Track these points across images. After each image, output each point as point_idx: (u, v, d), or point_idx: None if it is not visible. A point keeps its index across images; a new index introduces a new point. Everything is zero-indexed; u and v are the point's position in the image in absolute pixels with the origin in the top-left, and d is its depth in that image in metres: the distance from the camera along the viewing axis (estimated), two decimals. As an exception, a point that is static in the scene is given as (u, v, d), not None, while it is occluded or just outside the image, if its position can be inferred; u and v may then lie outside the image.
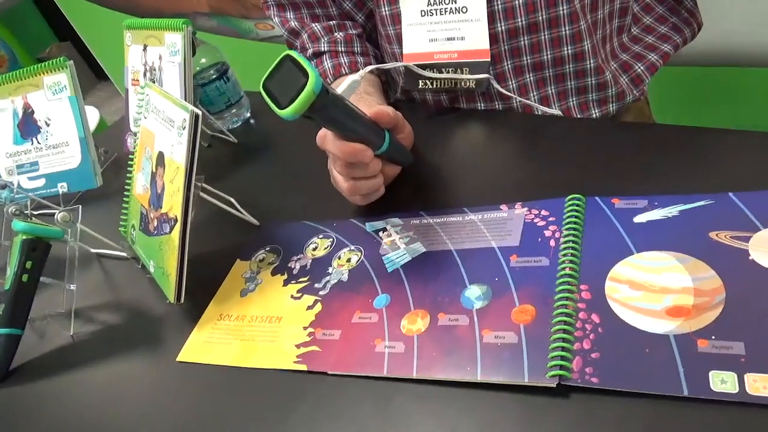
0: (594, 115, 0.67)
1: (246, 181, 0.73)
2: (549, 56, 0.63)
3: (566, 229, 0.46)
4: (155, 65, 0.77)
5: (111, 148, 0.92)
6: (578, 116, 0.67)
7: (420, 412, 0.40)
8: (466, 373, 0.40)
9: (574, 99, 0.66)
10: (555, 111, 0.65)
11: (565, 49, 0.62)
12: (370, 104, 0.62)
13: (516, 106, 0.66)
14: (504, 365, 0.39)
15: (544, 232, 0.47)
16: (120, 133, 0.91)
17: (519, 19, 0.60)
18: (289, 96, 0.42)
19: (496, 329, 0.41)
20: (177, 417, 0.48)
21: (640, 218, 0.45)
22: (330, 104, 0.45)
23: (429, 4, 0.63)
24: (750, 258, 0.39)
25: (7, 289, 0.58)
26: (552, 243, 0.45)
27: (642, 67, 0.67)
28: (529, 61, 0.63)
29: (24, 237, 0.58)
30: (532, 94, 0.66)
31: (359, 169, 0.53)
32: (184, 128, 0.49)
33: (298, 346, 0.48)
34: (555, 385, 0.37)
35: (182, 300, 0.54)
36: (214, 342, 0.52)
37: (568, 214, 0.47)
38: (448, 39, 0.64)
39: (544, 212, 0.49)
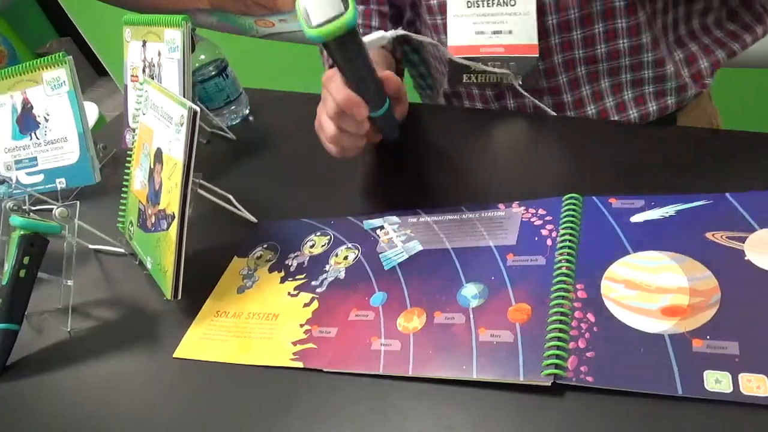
0: (651, 109, 0.63)
1: (244, 178, 0.73)
2: (603, 50, 0.60)
3: (563, 229, 0.46)
4: (154, 61, 0.77)
5: (110, 144, 0.92)
6: (634, 110, 0.64)
7: (416, 409, 0.40)
8: (461, 372, 0.40)
9: (629, 92, 0.63)
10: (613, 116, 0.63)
11: (621, 42, 0.59)
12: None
13: (567, 102, 0.64)
14: (499, 364, 0.39)
15: (541, 231, 0.47)
16: (119, 130, 0.91)
17: (572, 11, 0.57)
18: (323, 18, 0.41)
19: (492, 328, 0.41)
20: (173, 413, 0.48)
21: (636, 218, 0.45)
22: (354, 45, 0.44)
23: None
24: (746, 258, 0.39)
25: (4, 284, 0.58)
26: (549, 242, 0.45)
27: (707, 63, 0.63)
28: (581, 54, 0.61)
29: (22, 232, 0.58)
30: (583, 88, 0.63)
31: (349, 121, 0.53)
32: (182, 124, 0.49)
33: (294, 344, 0.48)
34: (550, 384, 0.37)
35: (179, 296, 0.54)
36: (210, 339, 0.52)
37: (565, 213, 0.47)
38: (495, 33, 0.61)
39: (541, 211, 0.49)
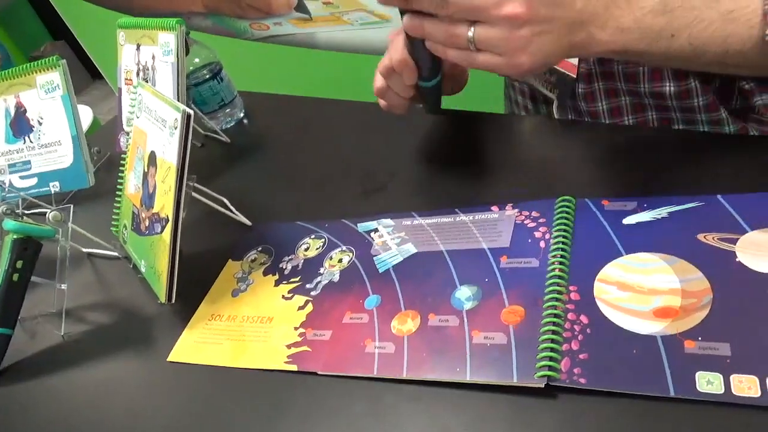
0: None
1: (238, 182, 0.73)
2: (647, 89, 0.56)
3: (556, 231, 0.46)
4: (148, 65, 0.77)
5: (104, 148, 0.91)
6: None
7: (411, 411, 0.40)
8: (455, 374, 0.40)
9: (681, 127, 0.59)
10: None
11: (667, 85, 0.55)
12: None
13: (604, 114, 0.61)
14: (493, 366, 0.39)
15: (534, 233, 0.47)
16: (113, 133, 0.90)
17: None
18: None
19: (486, 330, 0.41)
20: (168, 417, 0.48)
21: (629, 220, 0.45)
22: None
23: None
24: (737, 260, 0.39)
25: (-3, 288, 0.58)
26: (542, 244, 0.46)
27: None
28: (623, 87, 0.58)
29: (15, 236, 0.58)
30: (626, 118, 0.60)
31: (397, 82, 0.53)
32: (175, 128, 0.49)
33: (288, 347, 0.48)
34: (543, 386, 0.37)
35: (173, 300, 0.53)
36: (205, 342, 0.52)
37: (558, 215, 0.47)
38: None
39: (534, 213, 0.49)
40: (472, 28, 0.41)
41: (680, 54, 0.43)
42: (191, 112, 0.49)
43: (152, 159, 0.55)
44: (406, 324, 0.45)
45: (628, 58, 0.45)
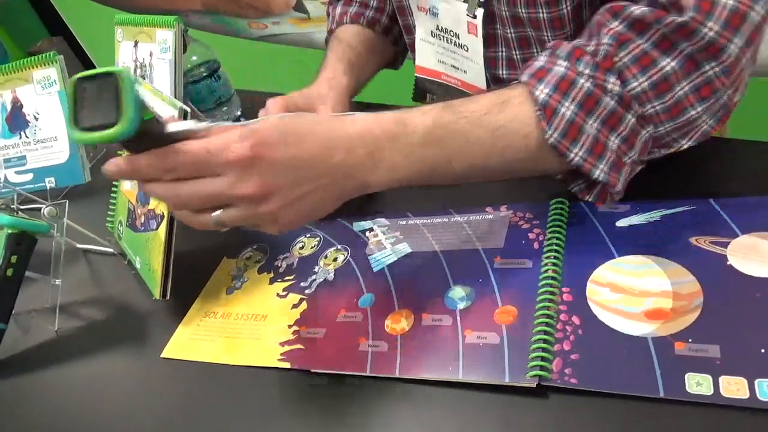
0: None
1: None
2: None
3: (550, 232, 0.46)
4: (146, 62, 0.77)
5: (100, 144, 0.91)
6: None
7: (403, 410, 0.40)
8: (448, 373, 0.40)
9: None
10: None
11: None
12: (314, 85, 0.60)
13: None
14: (485, 365, 0.39)
15: (528, 234, 0.47)
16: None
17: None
18: (92, 122, 0.34)
19: (479, 330, 0.42)
20: (161, 413, 0.48)
21: (622, 222, 0.45)
22: (141, 140, 0.37)
23: (437, 27, 0.61)
24: (728, 263, 0.39)
25: (-9, 282, 0.57)
26: (536, 245, 0.46)
27: None
28: None
29: (9, 231, 0.58)
30: None
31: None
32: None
33: (282, 344, 0.48)
34: (535, 386, 0.37)
35: (168, 297, 0.54)
36: (199, 339, 0.52)
37: (552, 217, 0.47)
38: (453, 66, 0.62)
39: (528, 215, 0.49)
40: (218, 212, 0.39)
41: (466, 174, 0.43)
42: (188, 109, 0.49)
43: (149, 155, 0.55)
44: (399, 323, 0.45)
45: (417, 185, 0.44)
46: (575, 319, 0.40)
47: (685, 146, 0.43)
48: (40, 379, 0.56)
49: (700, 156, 0.52)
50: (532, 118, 0.41)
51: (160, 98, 0.52)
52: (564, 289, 0.42)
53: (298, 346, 0.47)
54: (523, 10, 0.49)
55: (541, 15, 0.49)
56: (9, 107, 0.87)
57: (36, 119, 0.85)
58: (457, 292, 0.45)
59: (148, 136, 0.36)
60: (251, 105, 0.89)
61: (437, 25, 0.61)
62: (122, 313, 0.60)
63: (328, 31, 0.73)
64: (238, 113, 0.87)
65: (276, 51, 1.30)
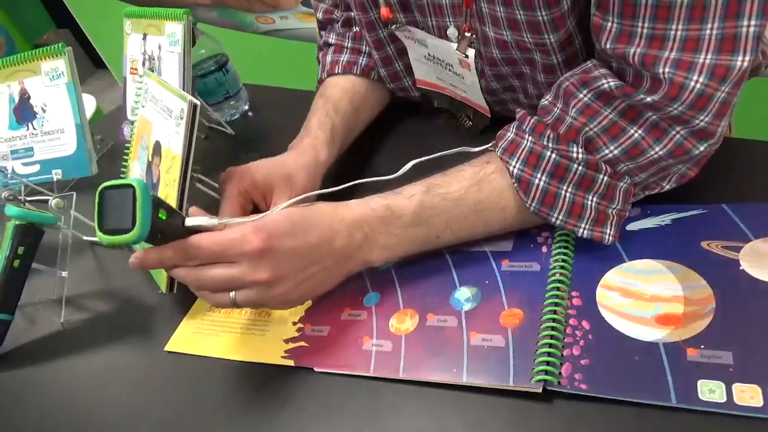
0: None
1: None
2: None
3: (558, 236, 0.46)
4: (154, 54, 0.77)
5: (107, 137, 0.91)
6: None
7: (408, 410, 0.40)
8: (451, 375, 0.40)
9: None
10: None
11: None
12: (299, 147, 0.59)
13: None
14: (490, 368, 0.39)
15: (537, 238, 0.47)
16: (116, 122, 0.90)
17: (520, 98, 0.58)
18: (113, 226, 0.40)
19: (484, 332, 0.41)
20: (164, 406, 0.47)
21: (632, 226, 0.45)
22: (160, 236, 0.42)
23: (429, 55, 0.60)
24: (741, 268, 0.39)
25: (-3, 273, 0.57)
26: (544, 249, 0.45)
27: None
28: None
29: (17, 222, 0.58)
30: None
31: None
32: (182, 118, 0.49)
33: (286, 341, 0.48)
34: (540, 390, 0.36)
35: (174, 290, 0.53)
36: (203, 333, 0.52)
37: (562, 219, 0.47)
38: (452, 84, 0.62)
39: (537, 216, 0.49)
40: (233, 293, 0.43)
41: (456, 242, 0.47)
42: (198, 102, 0.48)
43: (157, 149, 0.55)
44: (404, 323, 0.45)
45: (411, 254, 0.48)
46: (585, 324, 0.39)
47: (667, 188, 0.45)
48: (46, 370, 0.56)
49: (711, 159, 0.51)
50: (508, 191, 0.45)
51: (170, 91, 0.52)
52: (573, 293, 0.41)
53: (302, 343, 0.47)
54: (518, 55, 0.51)
55: (535, 56, 0.50)
56: (17, 98, 0.86)
57: (44, 111, 0.85)
58: (463, 293, 0.45)
59: (166, 231, 0.42)
60: (259, 99, 0.89)
61: (428, 53, 0.60)
62: (127, 306, 0.59)
63: (318, 80, 0.71)
64: (246, 107, 0.87)
65: (284, 45, 1.30)
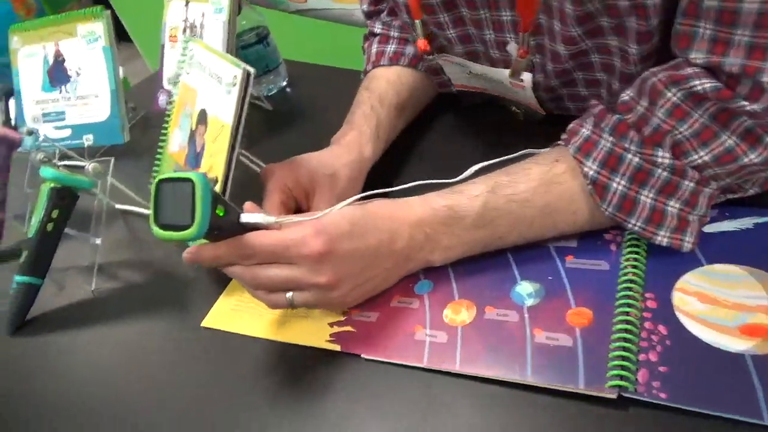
0: None
1: (278, 150, 0.70)
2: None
3: (629, 234, 0.43)
4: (197, 22, 0.74)
5: (139, 106, 0.89)
6: None
7: (464, 405, 0.38)
8: (514, 373, 0.37)
9: None
10: None
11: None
12: (342, 136, 0.57)
13: None
14: (557, 369, 0.36)
15: (605, 235, 0.44)
16: (148, 92, 0.88)
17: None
18: (170, 221, 0.38)
19: (549, 330, 0.39)
20: (196, 385, 0.46)
21: (710, 228, 0.42)
22: (216, 232, 0.40)
23: (470, 74, 0.58)
24: (833, 280, 0.36)
25: (31, 236, 0.56)
26: (613, 247, 0.43)
27: None
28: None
29: (52, 185, 0.56)
30: None
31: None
32: (234, 85, 0.47)
33: (332, 325, 0.45)
34: (615, 397, 0.34)
35: (213, 265, 0.51)
36: (242, 311, 0.50)
37: (631, 216, 0.44)
38: (499, 92, 0.60)
39: (603, 212, 0.46)
40: (290, 294, 0.42)
41: (518, 244, 0.45)
42: (252, 70, 0.46)
43: (202, 117, 0.53)
44: (460, 314, 0.42)
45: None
46: (661, 329, 0.37)
47: (751, 192, 0.43)
48: (73, 338, 0.54)
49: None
50: (580, 194, 0.42)
51: (222, 58, 0.50)
52: (647, 295, 0.39)
53: (349, 328, 0.45)
54: (580, 75, 0.49)
55: (600, 76, 0.48)
56: (51, 60, 0.85)
57: (78, 74, 0.83)
58: (525, 288, 0.42)
59: (222, 227, 0.40)
60: (298, 75, 0.86)
61: (470, 72, 0.57)
62: (161, 278, 0.58)
63: (363, 72, 0.69)
64: (284, 83, 0.84)
65: (322, 22, 1.27)
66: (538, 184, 0.42)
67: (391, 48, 0.66)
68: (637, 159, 0.39)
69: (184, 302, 0.54)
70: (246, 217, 0.41)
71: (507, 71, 0.53)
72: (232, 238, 0.41)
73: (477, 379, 0.39)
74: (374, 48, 0.67)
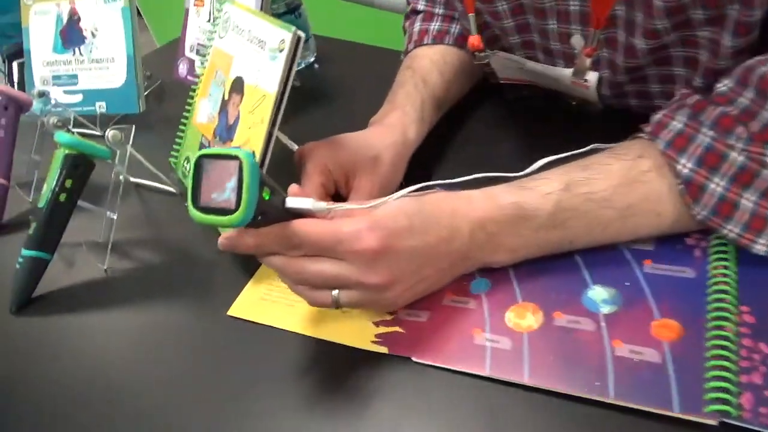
0: None
1: (303, 131, 0.65)
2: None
3: (715, 237, 0.39)
4: (225, -14, 0.69)
5: (155, 75, 0.84)
6: None
7: (534, 423, 0.34)
8: (593, 389, 0.33)
9: None
10: None
11: None
12: (384, 116, 0.53)
13: None
14: (645, 388, 0.32)
15: (686, 239, 0.40)
16: (166, 60, 0.83)
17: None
18: (211, 203, 0.34)
19: (632, 342, 0.35)
20: (220, 381, 0.41)
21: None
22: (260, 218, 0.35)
23: (523, 70, 0.54)
24: None
25: (41, 206, 0.51)
26: (697, 253, 0.39)
27: None
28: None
29: (67, 152, 0.51)
30: None
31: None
32: (280, 51, 0.42)
33: (377, 324, 0.41)
34: (716, 423, 0.30)
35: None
36: (273, 301, 0.45)
37: (714, 220, 0.40)
38: (552, 87, 0.55)
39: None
40: (336, 292, 0.38)
41: (589, 247, 0.41)
42: (303, 35, 0.41)
43: (238, 85, 0.48)
44: (525, 318, 0.38)
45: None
46: (763, 347, 0.33)
47: None
48: (83, 321, 0.50)
49: None
50: (668, 194, 0.37)
51: (267, 20, 0.45)
52: (743, 308, 0.35)
53: (397, 328, 0.40)
54: (653, 71, 0.45)
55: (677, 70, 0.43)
56: (65, 19, 0.79)
57: (94, 36, 0.78)
58: (599, 293, 0.38)
59: (267, 213, 0.35)
60: (327, 52, 0.81)
61: (525, 69, 0.53)
62: (180, 259, 0.53)
63: (404, 51, 0.64)
64: (312, 59, 0.79)
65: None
66: (620, 183, 0.38)
67: (435, 26, 0.61)
68: (742, 158, 0.35)
69: (205, 287, 0.49)
70: (292, 202, 0.37)
71: (567, 71, 0.49)
72: (276, 224, 0.36)
73: (543, 391, 0.34)
74: (417, 26, 0.63)
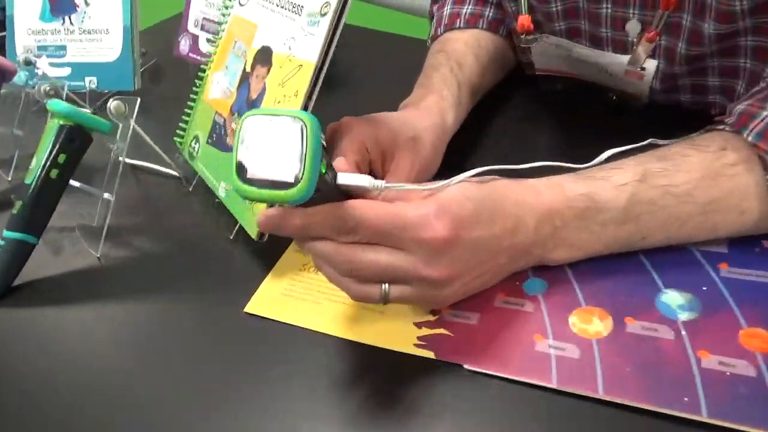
0: None
1: (323, 115, 0.61)
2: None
3: (798, 242, 0.36)
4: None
5: (150, 51, 0.78)
6: None
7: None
8: (682, 406, 0.29)
9: None
10: None
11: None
12: (419, 99, 0.48)
13: None
14: (741, 405, 0.29)
15: (763, 241, 0.37)
16: (162, 36, 0.77)
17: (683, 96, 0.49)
18: (265, 175, 0.28)
19: (720, 353, 0.31)
20: (237, 386, 0.36)
21: None
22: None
23: (570, 58, 0.51)
24: None
25: (28, 182, 0.45)
26: (779, 255, 0.36)
27: None
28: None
29: (61, 122, 0.45)
30: None
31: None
32: (323, 15, 0.37)
33: (419, 326, 0.37)
34: (835, 449, 0.27)
35: (266, 237, 0.42)
36: (296, 298, 0.40)
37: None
38: (596, 80, 0.53)
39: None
40: (385, 286, 0.33)
41: (660, 246, 0.37)
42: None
43: (264, 56, 0.43)
44: (591, 324, 0.34)
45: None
46: None
47: None
48: (72, 313, 0.44)
49: None
50: (755, 189, 0.35)
51: (305, -20, 0.40)
52: (842, 319, 0.31)
53: (442, 331, 0.36)
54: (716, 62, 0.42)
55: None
56: (55, -16, 0.73)
57: (87, 4, 0.71)
58: (674, 299, 0.34)
59: (320, 190, 0.30)
60: (343, 37, 0.76)
61: (572, 56, 0.50)
62: (186, 249, 0.48)
63: (432, 36, 0.60)
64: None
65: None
66: (702, 176, 0.35)
67: (467, 9, 0.58)
68: None
69: (216, 281, 0.44)
70: (345, 178, 0.32)
71: (624, 57, 0.46)
72: (327, 204, 0.31)
73: (619, 406, 0.30)
74: (447, 9, 0.59)
